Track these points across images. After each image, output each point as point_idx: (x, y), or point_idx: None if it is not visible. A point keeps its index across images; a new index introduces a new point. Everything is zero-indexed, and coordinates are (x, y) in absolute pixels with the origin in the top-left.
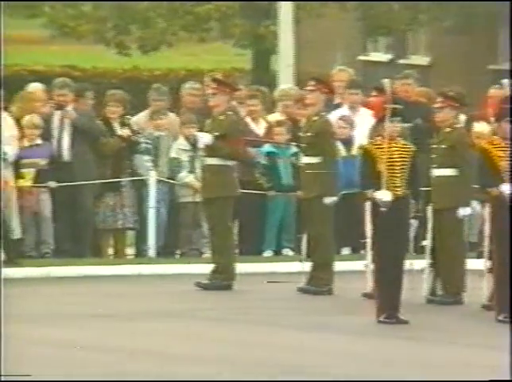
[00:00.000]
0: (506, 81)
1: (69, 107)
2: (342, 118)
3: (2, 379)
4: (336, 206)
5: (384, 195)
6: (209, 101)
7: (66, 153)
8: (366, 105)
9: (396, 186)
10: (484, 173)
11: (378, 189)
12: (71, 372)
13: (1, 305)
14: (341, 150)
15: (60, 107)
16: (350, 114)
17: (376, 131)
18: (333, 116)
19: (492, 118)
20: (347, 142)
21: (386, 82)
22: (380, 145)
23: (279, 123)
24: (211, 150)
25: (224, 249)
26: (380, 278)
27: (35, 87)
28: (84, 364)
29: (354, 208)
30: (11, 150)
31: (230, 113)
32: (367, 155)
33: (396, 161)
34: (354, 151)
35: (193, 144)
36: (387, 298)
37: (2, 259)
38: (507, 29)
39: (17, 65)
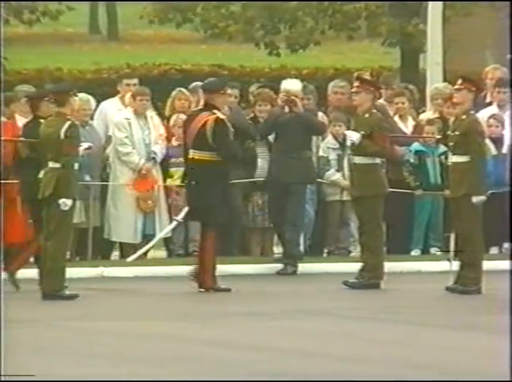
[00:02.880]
0: None
1: None
2: (493, 116)
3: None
4: (485, 205)
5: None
6: (353, 99)
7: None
8: None
9: None
10: None
11: None
12: (219, 371)
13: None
14: (491, 148)
15: None
16: (499, 112)
17: None
18: (483, 115)
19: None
20: (498, 141)
21: None
22: None
23: (429, 122)
24: (358, 149)
25: (373, 248)
26: None
27: (196, 85)
28: (232, 363)
29: (503, 207)
30: (159, 150)
31: (374, 111)
32: None
33: None
34: (505, 150)
35: (341, 142)
36: None
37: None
38: None
39: (166, 64)
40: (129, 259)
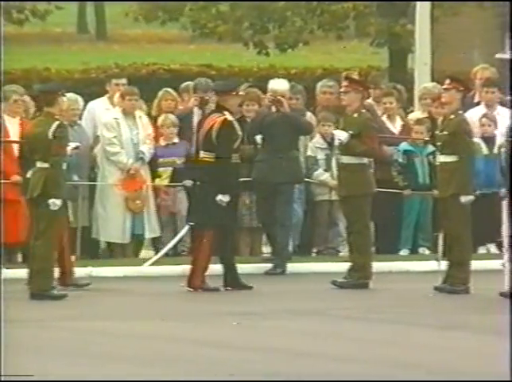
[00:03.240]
0: None
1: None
2: (485, 116)
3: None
4: (474, 205)
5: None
6: (342, 99)
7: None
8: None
9: None
10: None
11: None
12: (211, 371)
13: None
14: (483, 148)
15: (202, 104)
16: (487, 112)
17: None
18: (472, 114)
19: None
20: (490, 141)
21: None
22: None
23: (418, 122)
24: (346, 149)
25: (362, 247)
26: None
27: (188, 85)
28: (223, 363)
29: (492, 206)
30: (147, 150)
31: (363, 111)
32: None
33: None
34: (496, 150)
35: (329, 142)
36: None
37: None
38: None
39: (154, 64)
40: (146, 264)
